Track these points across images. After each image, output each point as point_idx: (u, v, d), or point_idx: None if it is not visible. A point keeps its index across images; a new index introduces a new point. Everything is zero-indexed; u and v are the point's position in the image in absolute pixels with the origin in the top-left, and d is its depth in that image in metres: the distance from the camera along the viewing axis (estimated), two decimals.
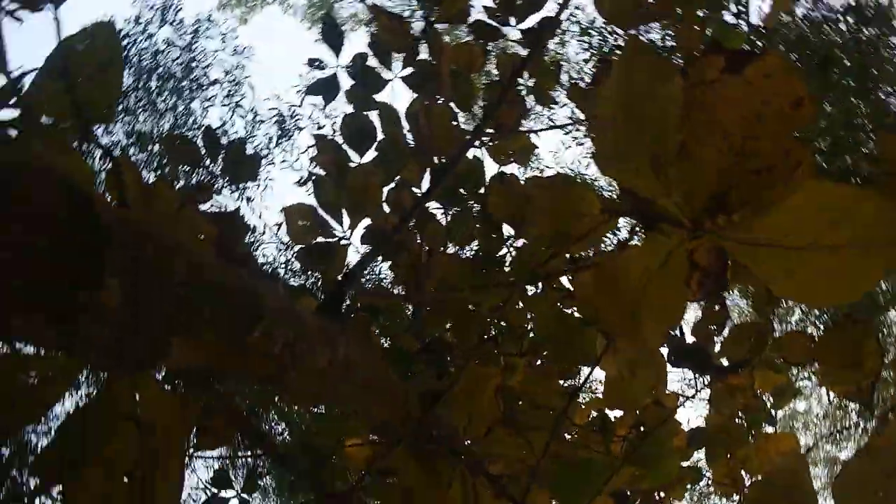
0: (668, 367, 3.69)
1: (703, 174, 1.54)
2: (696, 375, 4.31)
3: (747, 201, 1.56)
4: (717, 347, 4.00)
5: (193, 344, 1.16)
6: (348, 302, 3.79)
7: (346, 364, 1.70)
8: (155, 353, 1.09)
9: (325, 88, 4.22)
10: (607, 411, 3.78)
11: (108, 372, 1.18)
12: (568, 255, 3.15)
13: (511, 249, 3.93)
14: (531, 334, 3.76)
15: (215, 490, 4.59)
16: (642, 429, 3.84)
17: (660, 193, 1.56)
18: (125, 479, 1.41)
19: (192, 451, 3.47)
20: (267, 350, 1.36)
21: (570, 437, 3.81)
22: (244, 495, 4.65)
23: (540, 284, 3.60)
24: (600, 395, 4.20)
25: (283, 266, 10.13)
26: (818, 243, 1.45)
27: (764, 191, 1.52)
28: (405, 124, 3.92)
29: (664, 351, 3.78)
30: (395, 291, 4.29)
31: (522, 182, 3.77)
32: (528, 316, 3.77)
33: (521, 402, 3.50)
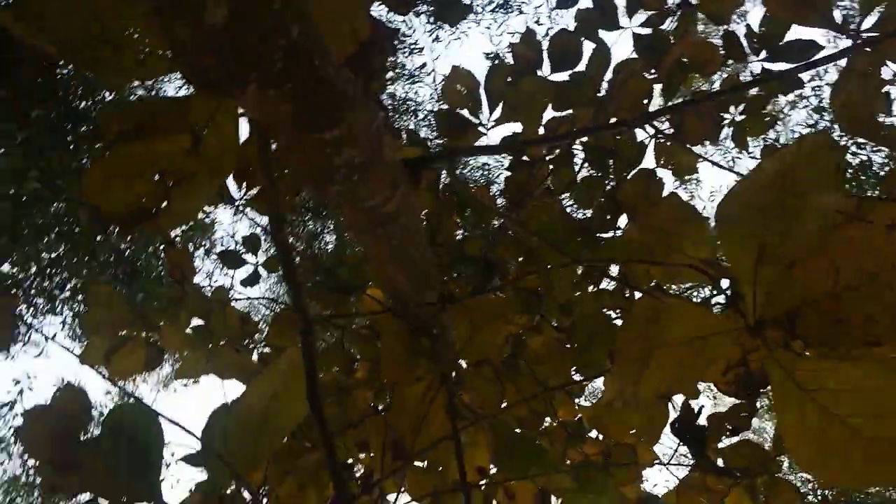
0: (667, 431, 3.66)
1: (794, 290, 1.49)
2: (686, 454, 4.26)
3: (818, 340, 1.52)
4: (721, 444, 3.93)
5: (271, 95, 1.18)
6: (442, 177, 3.82)
7: (391, 218, 1.72)
8: (234, 84, 1.11)
9: None
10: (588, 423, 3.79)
11: (194, 86, 1.21)
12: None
13: (614, 237, 3.89)
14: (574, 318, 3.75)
15: (242, 249, 4.74)
16: (607, 460, 3.84)
17: (748, 281, 1.52)
18: (156, 177, 1.47)
19: (242, 197, 3.60)
20: (331, 154, 1.38)
21: (545, 425, 3.84)
22: (261, 268, 4.79)
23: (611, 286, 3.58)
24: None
25: (423, 110, 10.36)
26: (858, 422, 1.37)
27: (837, 340, 1.47)
28: (609, 74, 3.85)
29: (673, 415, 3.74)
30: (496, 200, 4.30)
31: (664, 193, 3.70)
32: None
33: (524, 362, 3.52)
